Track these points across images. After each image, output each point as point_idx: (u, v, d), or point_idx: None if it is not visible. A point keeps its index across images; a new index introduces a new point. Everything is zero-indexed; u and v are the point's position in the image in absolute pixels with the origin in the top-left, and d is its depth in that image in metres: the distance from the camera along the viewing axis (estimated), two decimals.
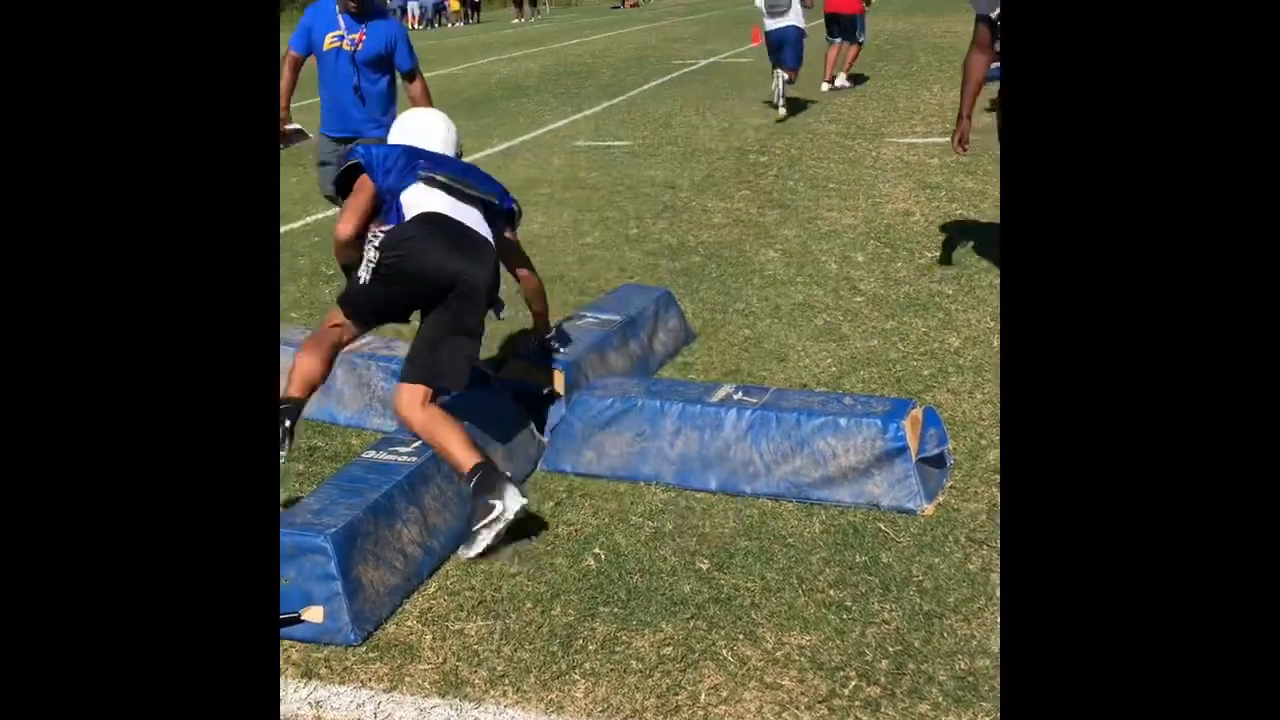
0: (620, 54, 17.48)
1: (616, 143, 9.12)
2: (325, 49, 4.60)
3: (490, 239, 3.07)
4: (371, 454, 2.86)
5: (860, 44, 11.38)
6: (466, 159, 3.41)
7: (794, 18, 9.55)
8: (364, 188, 3.05)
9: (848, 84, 11.38)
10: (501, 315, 3.17)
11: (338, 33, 4.60)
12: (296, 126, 4.74)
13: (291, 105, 4.71)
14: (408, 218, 2.99)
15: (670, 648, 2.38)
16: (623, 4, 39.63)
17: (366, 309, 3.05)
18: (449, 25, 32.57)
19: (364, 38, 4.61)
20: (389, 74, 4.71)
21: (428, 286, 2.92)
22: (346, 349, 3.26)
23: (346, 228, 3.03)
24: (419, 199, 3.02)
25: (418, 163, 3.07)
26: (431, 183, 3.05)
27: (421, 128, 3.28)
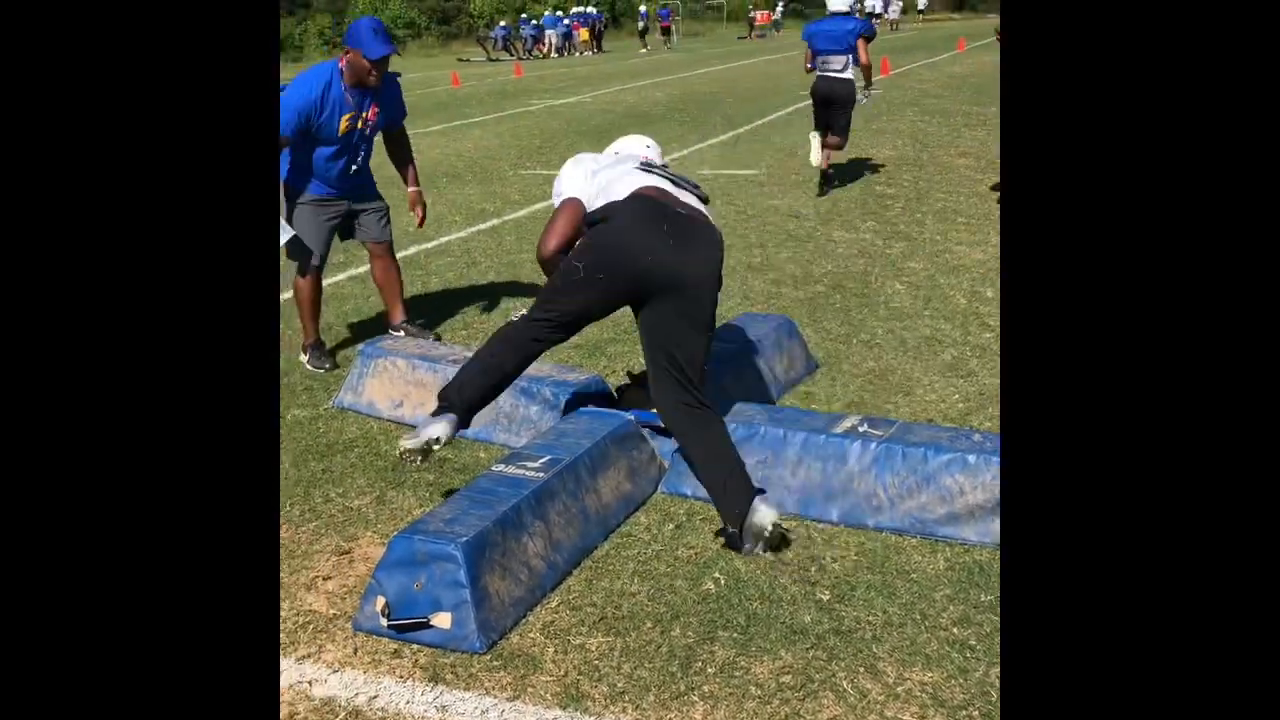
0: (746, 84, 17.56)
1: (741, 171, 9.16)
2: (341, 132, 4.19)
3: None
4: (500, 467, 2.94)
5: None
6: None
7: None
8: None
9: None
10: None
11: (352, 114, 4.21)
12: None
13: None
14: None
15: (789, 676, 2.37)
16: (749, 35, 39.81)
17: None
18: (577, 54, 33.28)
19: (377, 111, 4.30)
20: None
21: None
22: None
23: None
24: None
25: None
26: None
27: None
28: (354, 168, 4.37)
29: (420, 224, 4.82)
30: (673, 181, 3.14)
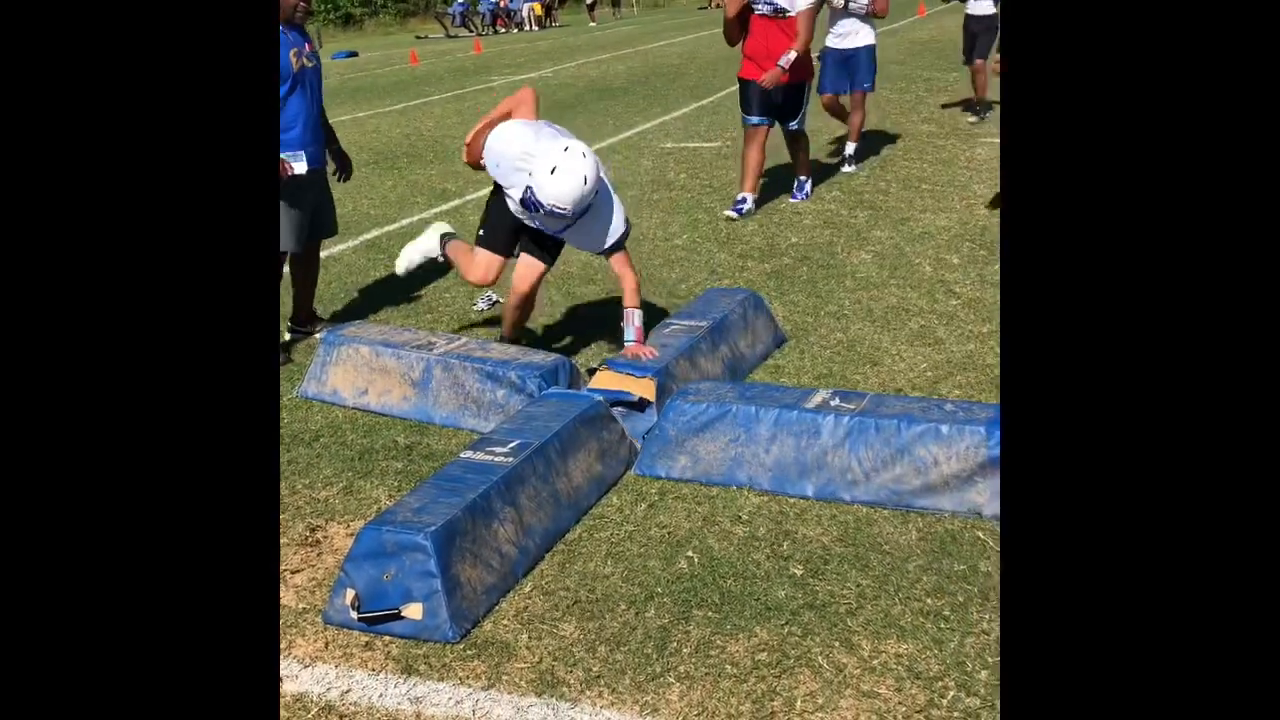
0: (708, 55, 17.45)
1: (705, 144, 9.10)
2: (295, 70, 4.08)
3: None
4: (469, 454, 2.90)
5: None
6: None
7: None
8: None
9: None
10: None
11: (296, 49, 4.11)
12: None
13: None
14: None
15: (765, 653, 2.36)
16: (709, 4, 39.61)
17: None
18: (531, 29, 32.95)
19: (313, 50, 4.24)
20: None
21: None
22: (442, 351, 3.76)
23: None
24: None
25: None
26: None
27: None
28: (317, 123, 4.25)
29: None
30: None
